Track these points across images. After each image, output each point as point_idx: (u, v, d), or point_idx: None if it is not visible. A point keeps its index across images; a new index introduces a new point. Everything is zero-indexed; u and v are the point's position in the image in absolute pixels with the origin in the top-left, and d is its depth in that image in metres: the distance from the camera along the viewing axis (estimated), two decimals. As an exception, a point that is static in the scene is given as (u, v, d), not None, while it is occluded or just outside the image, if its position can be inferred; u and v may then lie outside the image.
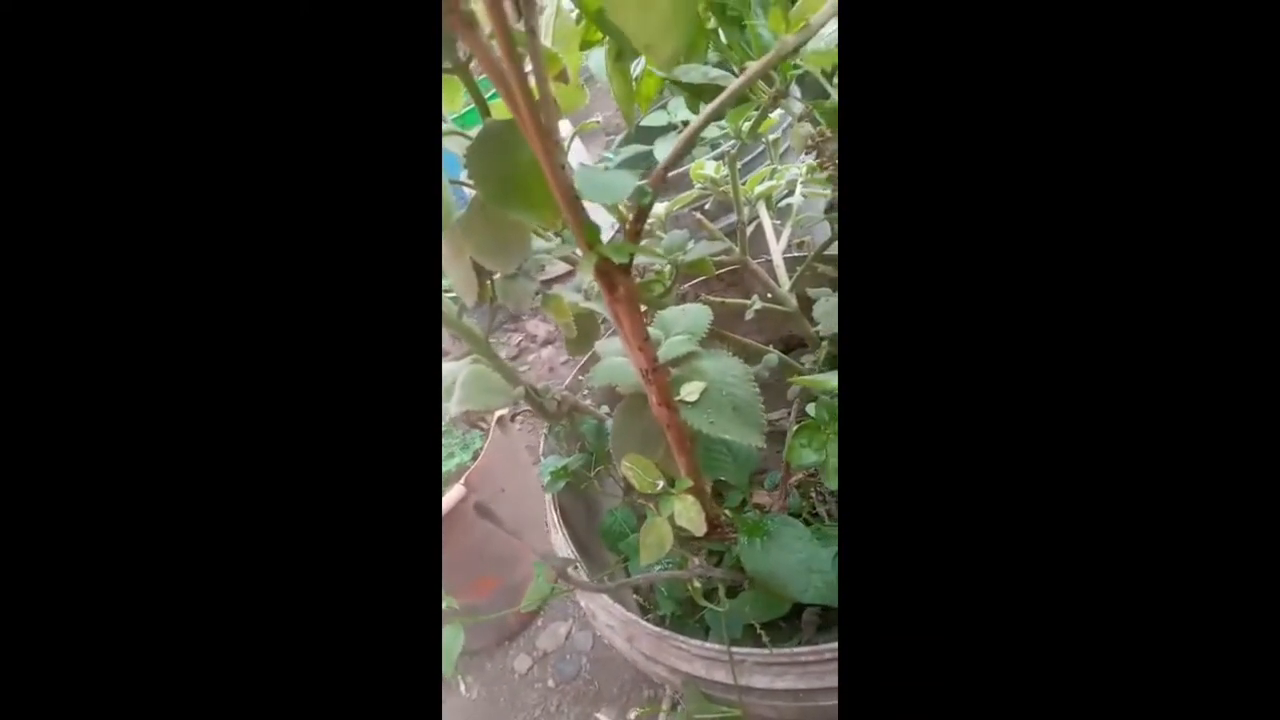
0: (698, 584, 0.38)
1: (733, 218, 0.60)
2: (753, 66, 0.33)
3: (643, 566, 0.35)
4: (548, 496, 0.53)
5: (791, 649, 0.38)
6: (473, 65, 0.37)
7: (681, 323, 0.40)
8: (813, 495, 0.55)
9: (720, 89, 0.41)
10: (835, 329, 0.51)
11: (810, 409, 0.38)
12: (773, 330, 0.68)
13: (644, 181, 0.27)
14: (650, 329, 0.40)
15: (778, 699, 0.40)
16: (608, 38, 0.41)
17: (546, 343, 1.56)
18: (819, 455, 0.35)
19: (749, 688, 0.39)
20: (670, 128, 0.83)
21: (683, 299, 0.53)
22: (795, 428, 0.37)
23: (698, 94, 0.42)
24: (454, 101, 0.51)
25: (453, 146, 0.37)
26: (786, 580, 0.36)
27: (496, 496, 0.84)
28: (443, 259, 0.38)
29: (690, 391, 0.35)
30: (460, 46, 0.33)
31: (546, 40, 0.41)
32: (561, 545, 0.51)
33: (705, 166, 0.63)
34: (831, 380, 0.32)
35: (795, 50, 0.34)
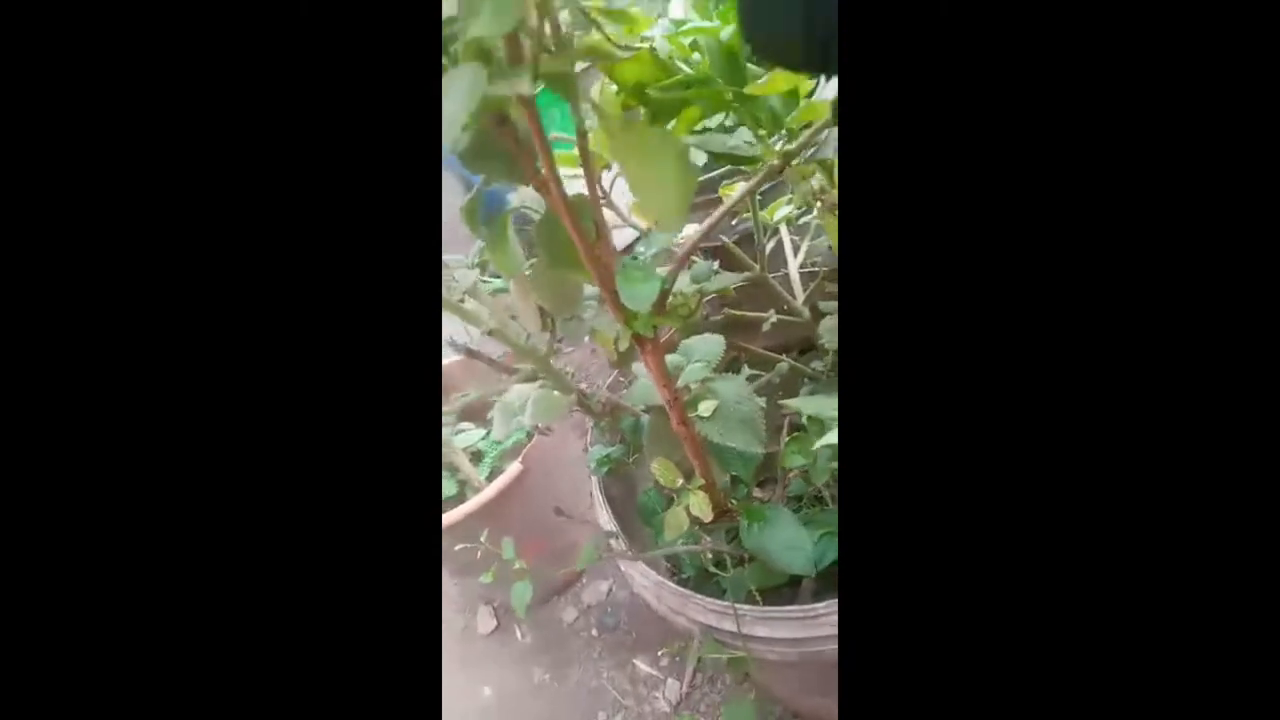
0: (709, 555, 0.49)
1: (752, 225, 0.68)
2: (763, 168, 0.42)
3: (667, 541, 0.46)
4: (593, 479, 0.64)
5: (785, 608, 0.49)
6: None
7: (700, 351, 0.50)
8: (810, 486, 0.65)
9: (738, 158, 0.50)
10: (836, 345, 0.60)
11: (805, 420, 0.48)
12: (788, 334, 0.77)
13: (666, 272, 0.36)
14: (675, 355, 0.50)
15: (777, 645, 0.51)
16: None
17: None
18: (807, 459, 0.45)
19: (752, 636, 0.50)
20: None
21: (706, 318, 0.63)
22: (788, 439, 0.47)
23: (718, 158, 0.51)
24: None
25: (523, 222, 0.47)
26: (775, 555, 0.47)
27: (549, 472, 0.97)
28: (514, 302, 0.48)
29: (706, 408, 0.45)
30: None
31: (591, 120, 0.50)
32: (605, 520, 0.63)
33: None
34: (812, 406, 0.42)
35: (798, 151, 0.42)
